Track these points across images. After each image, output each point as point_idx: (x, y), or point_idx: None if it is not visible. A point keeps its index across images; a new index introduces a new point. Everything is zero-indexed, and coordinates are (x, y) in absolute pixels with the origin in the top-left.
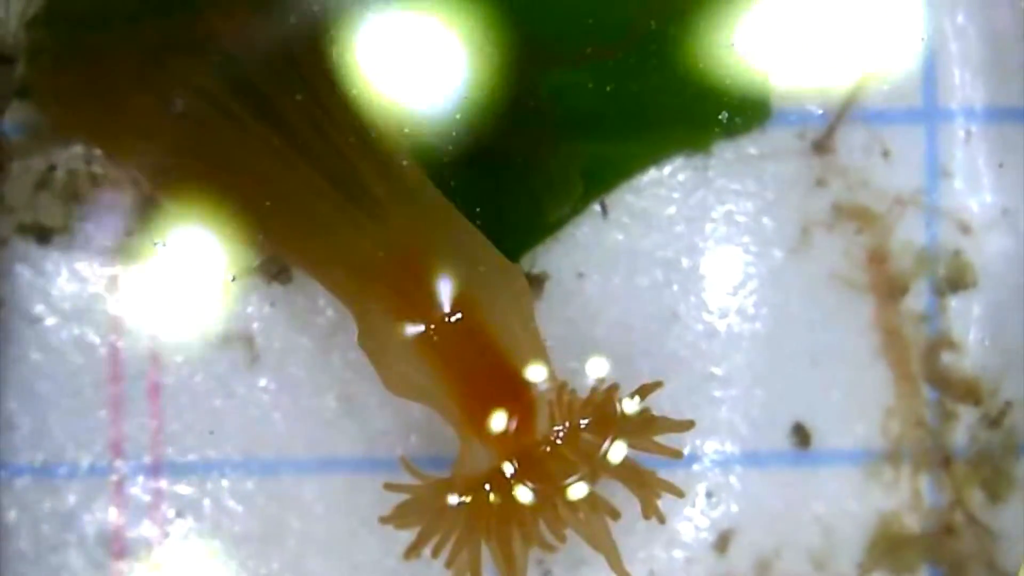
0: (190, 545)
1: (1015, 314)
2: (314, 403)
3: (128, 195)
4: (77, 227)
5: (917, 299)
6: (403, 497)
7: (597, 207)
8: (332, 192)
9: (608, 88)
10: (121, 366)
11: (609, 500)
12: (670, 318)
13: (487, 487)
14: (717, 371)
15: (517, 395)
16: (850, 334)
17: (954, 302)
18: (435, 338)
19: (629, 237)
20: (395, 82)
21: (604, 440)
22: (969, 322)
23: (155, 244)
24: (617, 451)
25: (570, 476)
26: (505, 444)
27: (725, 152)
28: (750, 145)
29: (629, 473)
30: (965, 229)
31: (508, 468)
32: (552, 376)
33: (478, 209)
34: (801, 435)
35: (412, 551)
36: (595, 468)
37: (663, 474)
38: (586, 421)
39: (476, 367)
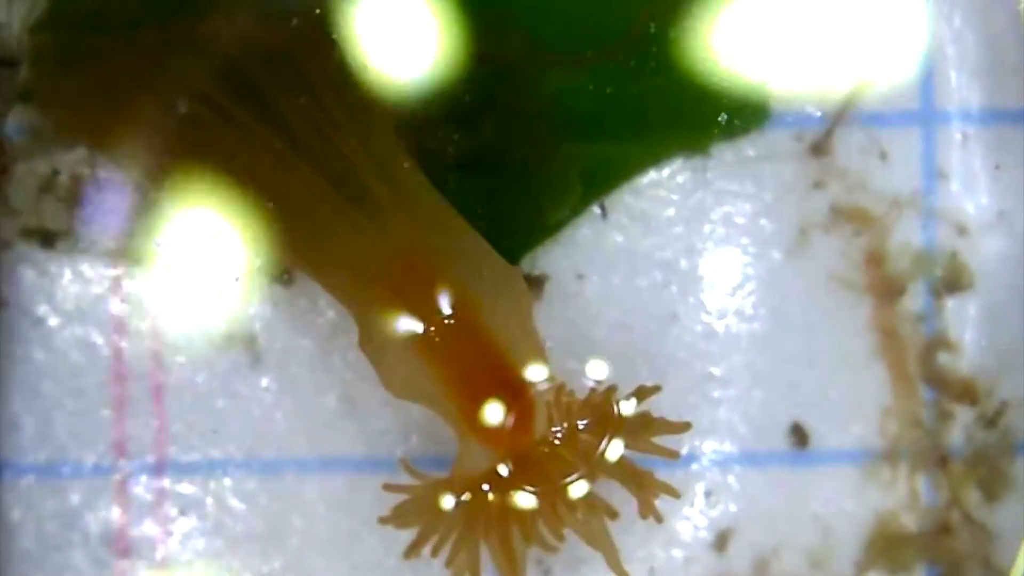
0: (193, 544)
1: (1011, 315)
2: (315, 403)
3: (131, 198)
4: (80, 229)
5: (914, 300)
6: (403, 497)
7: (597, 209)
8: (333, 194)
9: (608, 90)
10: (124, 366)
11: (607, 500)
12: (669, 319)
13: (486, 487)
14: (716, 371)
15: (516, 396)
16: (848, 335)
17: (951, 303)
18: (435, 339)
19: (628, 238)
20: (395, 84)
21: (602, 441)
22: (966, 323)
23: (157, 246)
24: (614, 450)
25: (568, 476)
26: (504, 444)
27: (724, 154)
28: (749, 147)
29: (627, 473)
30: (962, 231)
31: (507, 468)
32: (551, 377)
33: (478, 211)
34: (799, 435)
35: (412, 551)
36: (593, 468)
37: (662, 474)
38: (584, 422)
39: (475, 368)
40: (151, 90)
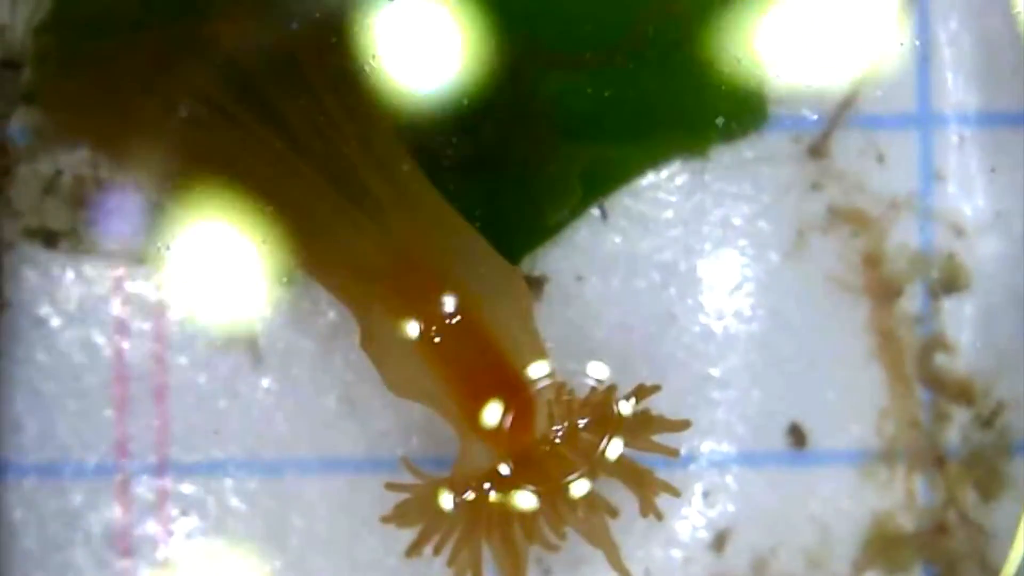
0: (195, 543)
1: (1008, 316)
2: (317, 404)
3: (133, 199)
4: (83, 231)
5: (911, 301)
6: (404, 496)
7: (596, 210)
8: (334, 195)
9: (607, 93)
10: (126, 367)
11: (607, 499)
12: (668, 320)
13: (487, 486)
14: (714, 372)
15: (517, 395)
16: (845, 336)
17: (947, 304)
18: (436, 339)
19: (627, 240)
20: (396, 86)
21: (602, 439)
22: (962, 324)
23: (159, 247)
24: (614, 449)
25: (569, 475)
26: (505, 443)
27: (722, 156)
28: (747, 149)
29: (627, 472)
30: (958, 232)
31: (508, 467)
32: (551, 376)
33: (478, 212)
34: (797, 435)
35: (413, 550)
36: (594, 467)
37: (661, 473)
38: (584, 421)
39: (476, 368)
40: (154, 92)
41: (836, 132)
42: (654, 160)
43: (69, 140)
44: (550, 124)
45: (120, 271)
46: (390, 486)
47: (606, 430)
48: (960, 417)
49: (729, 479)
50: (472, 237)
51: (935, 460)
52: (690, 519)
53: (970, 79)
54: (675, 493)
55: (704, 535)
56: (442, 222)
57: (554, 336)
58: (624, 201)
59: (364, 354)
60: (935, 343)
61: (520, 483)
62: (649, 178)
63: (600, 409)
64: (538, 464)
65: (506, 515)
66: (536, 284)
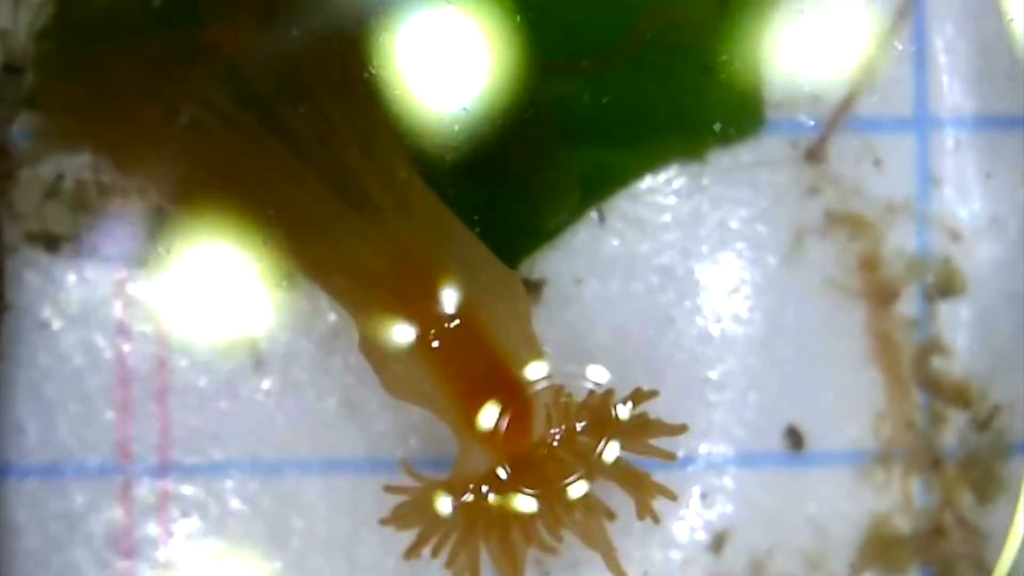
0: (196, 544)
1: (1003, 319)
2: (317, 406)
3: (135, 203)
4: (85, 234)
5: (908, 305)
6: (404, 498)
7: (594, 214)
8: (334, 200)
9: (605, 98)
10: (128, 369)
11: (605, 501)
12: (666, 323)
13: (485, 489)
14: (712, 375)
15: (514, 398)
16: (842, 339)
17: (944, 307)
18: (434, 343)
19: (626, 243)
20: (396, 92)
21: (600, 443)
22: (958, 327)
23: (161, 251)
24: (612, 452)
25: (567, 478)
26: (503, 446)
27: (720, 161)
28: (744, 154)
29: (624, 475)
30: (954, 236)
31: (505, 470)
32: (549, 379)
33: (477, 216)
34: (794, 437)
35: (412, 551)
36: (591, 470)
37: (659, 476)
38: (582, 424)
39: (474, 371)
40: (155, 97)
41: (833, 136)
42: (652, 164)
43: (71, 144)
44: (549, 129)
45: (122, 274)
46: (389, 488)
47: (604, 433)
48: (956, 419)
49: (727, 481)
50: (471, 241)
51: (932, 462)
52: (688, 520)
53: (966, 84)
54: (672, 497)
55: (702, 536)
56: (441, 227)
57: (552, 339)
58: (622, 205)
59: (363, 357)
60: (931, 346)
61: (518, 486)
62: (647, 182)
63: (598, 412)
64: (536, 467)
65: (504, 518)
66: (535, 287)
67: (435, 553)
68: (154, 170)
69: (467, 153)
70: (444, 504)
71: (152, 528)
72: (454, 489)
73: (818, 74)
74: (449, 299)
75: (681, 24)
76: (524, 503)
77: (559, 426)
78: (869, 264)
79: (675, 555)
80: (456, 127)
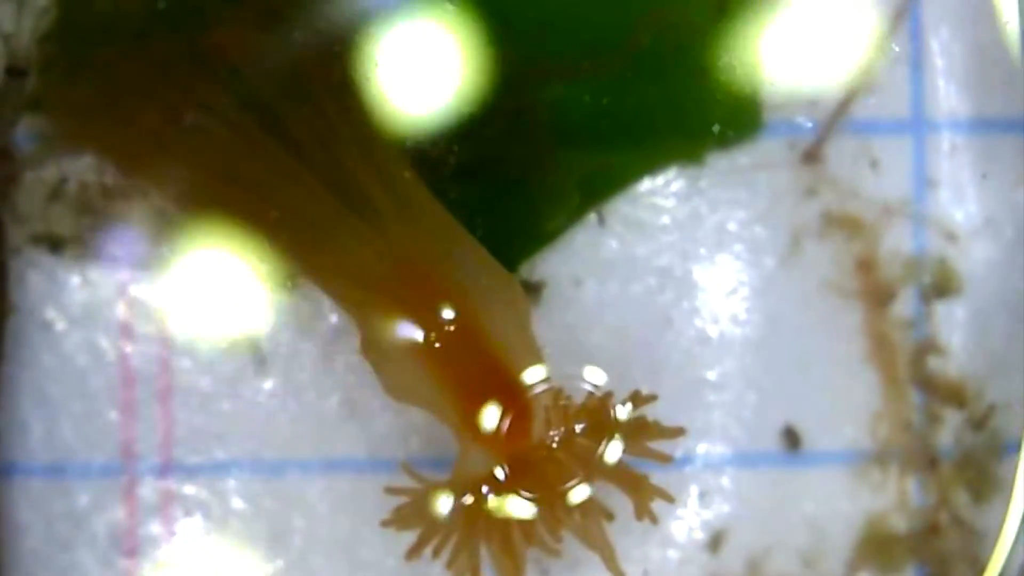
0: (198, 544)
1: (998, 319)
2: (318, 406)
3: (138, 205)
4: (88, 236)
5: (904, 305)
6: (404, 499)
7: (593, 216)
8: (335, 203)
9: (604, 102)
10: (131, 370)
11: (603, 502)
12: (664, 324)
13: (485, 490)
14: (710, 375)
15: (514, 400)
16: (839, 339)
17: (940, 308)
18: (435, 346)
19: (624, 245)
20: (396, 96)
21: (599, 444)
22: (954, 327)
23: (164, 252)
24: (612, 452)
25: (565, 479)
26: (502, 448)
27: (718, 163)
28: (742, 156)
29: (623, 477)
30: (950, 237)
31: (504, 472)
32: (548, 381)
33: (477, 219)
34: (791, 437)
35: (413, 552)
36: (590, 471)
37: (658, 476)
38: (581, 426)
39: (474, 373)
40: (158, 100)
41: (830, 139)
42: (651, 167)
43: (74, 147)
44: (548, 132)
45: (125, 276)
46: (390, 489)
47: (602, 435)
48: (952, 419)
49: (725, 480)
50: (471, 244)
51: (928, 462)
52: (686, 520)
53: (962, 87)
54: (669, 499)
55: (700, 536)
56: (441, 229)
57: (552, 340)
58: (621, 207)
59: (364, 359)
60: (928, 346)
61: (517, 487)
62: (646, 184)
63: (597, 414)
64: (535, 468)
65: (504, 519)
66: (534, 289)
67: (436, 554)
68: (157, 172)
69: (467, 157)
70: (445, 505)
71: (155, 527)
72: (454, 490)
73: (816, 77)
74: (448, 302)
75: (679, 27)
76: (523, 504)
77: (558, 428)
78: (866, 265)
79: (673, 554)
80: (456, 131)
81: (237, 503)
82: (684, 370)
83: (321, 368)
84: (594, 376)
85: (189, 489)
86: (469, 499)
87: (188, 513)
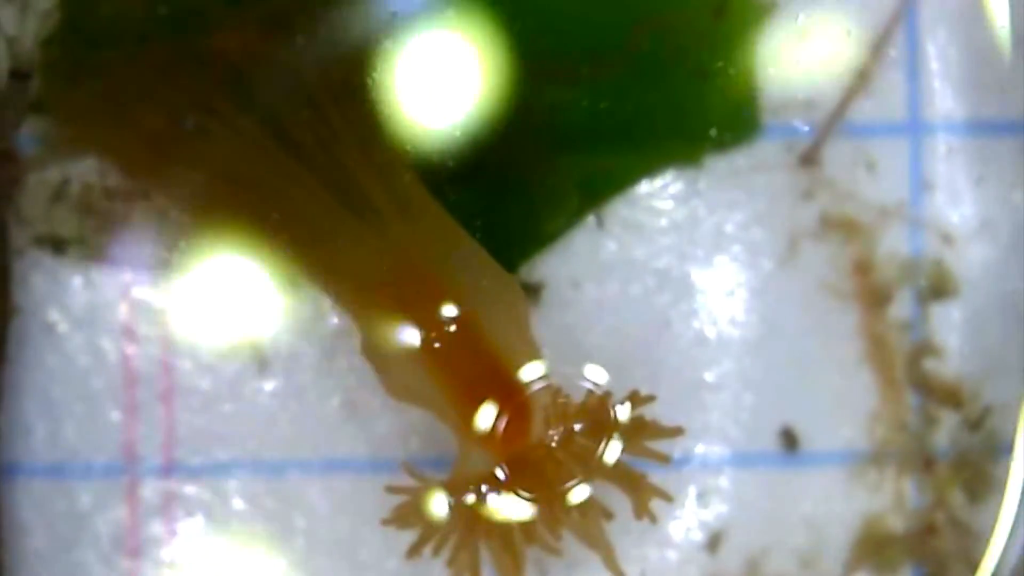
0: (200, 544)
1: (994, 321)
2: (319, 407)
3: (140, 208)
4: (91, 238)
5: (901, 307)
6: (405, 498)
7: (592, 218)
8: (336, 205)
9: (603, 105)
10: (133, 371)
11: (602, 502)
12: (662, 325)
13: (485, 489)
14: (708, 376)
15: (513, 400)
16: (836, 341)
17: (936, 310)
18: (435, 346)
19: (623, 247)
20: (398, 99)
21: (598, 444)
22: (951, 329)
23: (166, 255)
24: (611, 452)
25: (565, 478)
26: (502, 448)
27: (716, 165)
28: (740, 159)
29: (622, 476)
30: (947, 240)
31: (504, 471)
32: (547, 381)
33: (477, 222)
34: (789, 438)
35: (413, 551)
36: (589, 471)
37: (656, 476)
38: (580, 425)
39: (474, 374)
40: (161, 103)
41: (827, 141)
42: (649, 169)
43: (77, 150)
44: (547, 135)
45: (127, 278)
46: (390, 489)
47: (601, 435)
48: (949, 420)
49: (722, 481)
50: (471, 246)
51: (924, 462)
52: (684, 520)
53: (958, 90)
54: (668, 499)
55: (698, 536)
56: (442, 232)
57: (551, 341)
58: (620, 209)
59: (364, 360)
60: (924, 348)
61: (516, 487)
62: (644, 187)
63: (596, 414)
64: (534, 468)
65: (504, 518)
66: (533, 290)
67: (436, 553)
68: (159, 175)
69: (467, 159)
70: (445, 504)
71: (157, 528)
72: (454, 490)
73: (813, 80)
74: (449, 303)
75: (678, 31)
76: (523, 504)
77: (558, 427)
78: (863, 267)
79: (671, 554)
80: (456, 134)
81: (238, 503)
82: (682, 371)
83: (322, 369)
84: (593, 375)
85: (191, 489)
86: (469, 499)
87: (190, 513)
